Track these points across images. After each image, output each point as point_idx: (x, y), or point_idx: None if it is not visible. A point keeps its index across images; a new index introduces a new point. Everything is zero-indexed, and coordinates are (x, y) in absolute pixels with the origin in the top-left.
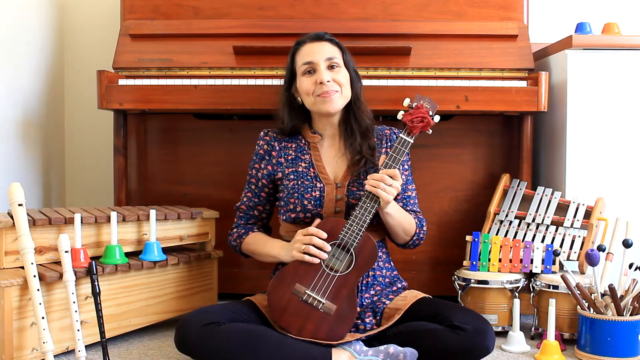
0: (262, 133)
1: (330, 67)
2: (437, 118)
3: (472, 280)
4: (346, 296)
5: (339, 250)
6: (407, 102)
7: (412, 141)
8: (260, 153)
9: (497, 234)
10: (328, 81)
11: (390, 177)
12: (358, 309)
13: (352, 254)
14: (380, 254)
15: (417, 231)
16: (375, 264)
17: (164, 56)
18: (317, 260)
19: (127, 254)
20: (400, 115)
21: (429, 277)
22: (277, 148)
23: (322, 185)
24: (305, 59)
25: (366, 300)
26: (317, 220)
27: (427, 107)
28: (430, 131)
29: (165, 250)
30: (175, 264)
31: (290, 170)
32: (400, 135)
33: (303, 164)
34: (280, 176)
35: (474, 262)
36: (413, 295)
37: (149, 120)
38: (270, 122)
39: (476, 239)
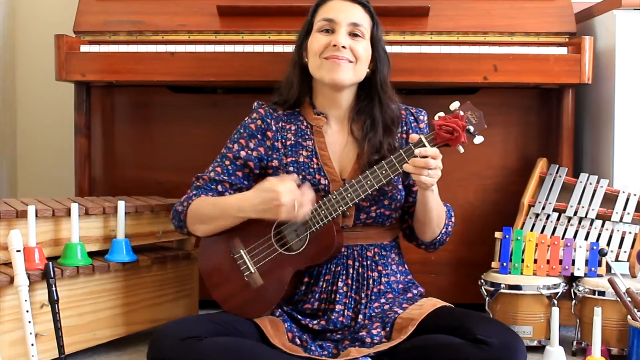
0: (256, 104)
1: (353, 35)
2: (478, 139)
3: (502, 285)
4: (277, 279)
5: (301, 227)
6: (454, 105)
7: (429, 148)
8: (251, 128)
9: (532, 230)
10: (343, 47)
11: (433, 157)
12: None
13: (308, 237)
14: (392, 255)
15: (447, 222)
16: (388, 267)
17: (135, 17)
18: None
19: (91, 254)
20: (436, 116)
21: (450, 281)
22: (274, 128)
23: (326, 181)
24: (327, 14)
25: (375, 311)
26: (293, 176)
27: (470, 122)
28: (462, 150)
29: (137, 250)
30: (148, 265)
31: (289, 160)
32: (422, 136)
33: (305, 153)
34: (275, 164)
35: (505, 264)
36: (430, 304)
37: (117, 94)
38: (263, 97)
39: (507, 236)
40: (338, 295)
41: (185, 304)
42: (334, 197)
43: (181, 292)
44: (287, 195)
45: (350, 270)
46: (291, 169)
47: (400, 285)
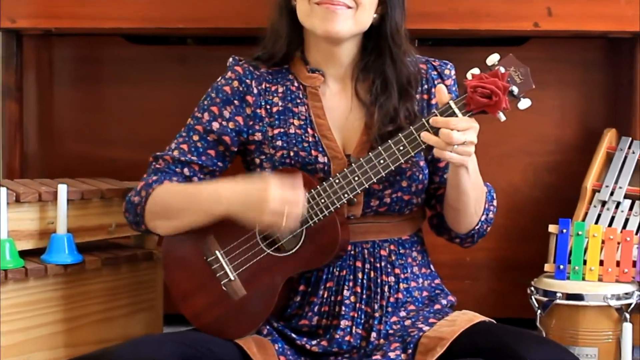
0: (231, 60)
1: None
2: (524, 104)
3: (559, 295)
4: (264, 288)
5: None
6: (492, 59)
7: (460, 116)
8: (225, 92)
9: (597, 223)
10: None
11: (460, 129)
12: (340, 338)
13: (303, 233)
14: (414, 254)
15: (487, 206)
16: (408, 269)
17: None
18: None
19: (23, 254)
20: (469, 74)
21: (490, 289)
22: (256, 91)
23: (326, 159)
24: None
25: (393, 327)
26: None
27: (513, 81)
28: (503, 117)
29: (83, 248)
30: (97, 268)
31: (276, 131)
32: (450, 102)
33: (296, 122)
34: (258, 138)
35: (562, 267)
36: (466, 319)
37: (57, 47)
38: (245, 49)
39: (564, 230)
40: (344, 308)
41: (146, 319)
42: (337, 180)
43: (140, 303)
44: (278, 199)
45: (359, 275)
46: (279, 143)
47: (425, 294)
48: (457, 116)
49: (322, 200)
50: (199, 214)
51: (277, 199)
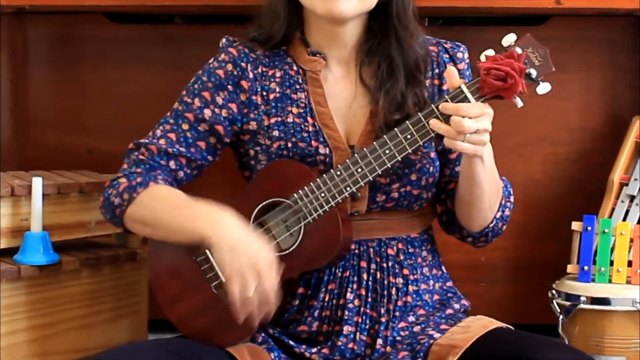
0: (224, 41)
1: None
2: (543, 88)
3: (583, 299)
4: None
5: (290, 216)
6: (508, 39)
7: (473, 101)
8: (218, 76)
9: (624, 219)
10: None
11: (472, 116)
12: (353, 344)
13: (302, 230)
14: (424, 253)
15: (503, 202)
16: (417, 270)
17: None
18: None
19: None
20: (483, 56)
21: (507, 292)
22: (251, 76)
23: (327, 150)
24: None
25: (401, 334)
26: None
27: (531, 63)
28: (520, 103)
29: (60, 247)
30: (75, 269)
31: (273, 120)
32: (462, 86)
33: (295, 110)
34: (253, 128)
35: (586, 268)
36: (480, 325)
37: (32, 25)
38: (239, 29)
39: (589, 228)
40: (347, 312)
41: (129, 325)
42: (338, 172)
43: (123, 308)
44: (267, 275)
45: (364, 276)
46: (275, 133)
47: (436, 297)
48: (469, 102)
49: (322, 194)
50: (184, 231)
51: (266, 260)
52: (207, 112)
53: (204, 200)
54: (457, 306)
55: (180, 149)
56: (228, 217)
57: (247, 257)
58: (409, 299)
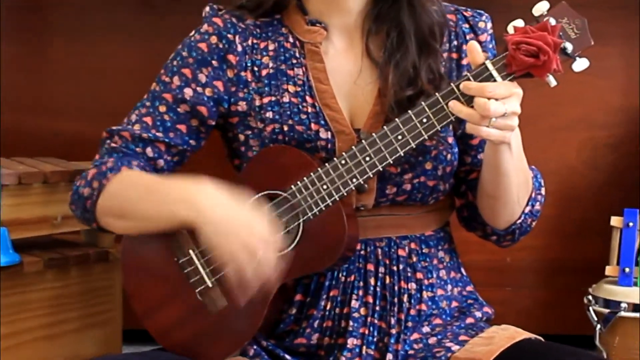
0: (208, 9)
1: None
2: (580, 65)
3: (623, 305)
4: (252, 299)
5: (287, 212)
6: (540, 7)
7: (499, 80)
8: (200, 50)
9: None
10: None
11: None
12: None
13: (300, 227)
14: (440, 254)
15: (533, 195)
16: (433, 273)
17: None
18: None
19: None
20: (511, 27)
21: (537, 298)
22: (240, 49)
23: (329, 135)
24: None
25: (414, 346)
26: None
27: (567, 36)
28: (553, 82)
29: (21, 246)
30: (38, 271)
31: (266, 100)
32: (487, 62)
33: (292, 88)
34: (243, 109)
35: (627, 269)
36: (506, 336)
37: None
38: None
39: (631, 224)
40: (352, 323)
41: (100, 336)
42: (343, 161)
43: (93, 316)
44: (262, 236)
45: (371, 281)
46: (269, 115)
47: (455, 304)
48: (495, 80)
49: (324, 186)
50: (161, 217)
51: (261, 236)
52: (188, 92)
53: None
54: (478, 314)
55: (157, 133)
56: (208, 192)
57: (238, 237)
58: (424, 306)
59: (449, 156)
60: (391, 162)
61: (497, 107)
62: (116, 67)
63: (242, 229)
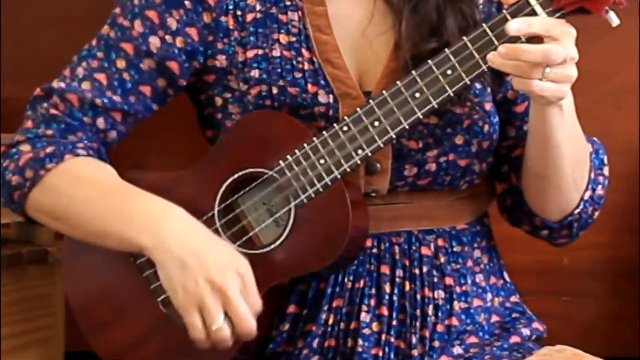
0: None
1: None
2: None
3: None
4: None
5: (275, 195)
6: None
7: (545, 17)
8: None
9: None
10: None
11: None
12: None
13: (291, 214)
14: (476, 253)
15: (593, 176)
16: (467, 279)
17: None
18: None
19: None
20: None
21: (601, 311)
22: None
23: (331, 99)
24: None
25: None
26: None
27: None
28: (615, 20)
29: None
30: None
31: (252, 53)
32: None
33: (284, 38)
34: (221, 65)
35: None
36: (561, 358)
37: None
38: None
39: None
40: (361, 342)
41: (38, 356)
42: (346, 128)
43: (29, 333)
44: (242, 304)
45: (386, 288)
46: (255, 73)
47: (495, 318)
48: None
49: (321, 161)
50: (105, 237)
51: (237, 294)
52: (154, 42)
53: (145, 181)
54: (526, 332)
55: (114, 97)
56: (175, 218)
57: (206, 274)
58: (454, 321)
59: (486, 127)
60: (406, 126)
61: (558, 50)
62: (64, 12)
63: (211, 265)
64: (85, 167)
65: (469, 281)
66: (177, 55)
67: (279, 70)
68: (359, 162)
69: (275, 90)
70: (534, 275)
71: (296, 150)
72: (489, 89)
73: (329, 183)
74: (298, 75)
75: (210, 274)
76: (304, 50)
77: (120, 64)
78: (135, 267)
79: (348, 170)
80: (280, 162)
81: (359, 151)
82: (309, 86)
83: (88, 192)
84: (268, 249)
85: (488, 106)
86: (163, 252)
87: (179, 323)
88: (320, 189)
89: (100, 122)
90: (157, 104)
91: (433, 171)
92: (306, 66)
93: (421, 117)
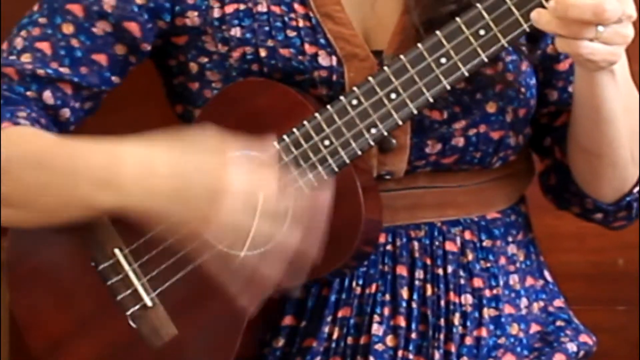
0: None
1: None
2: None
3: None
4: (216, 325)
5: None
6: None
7: None
8: None
9: None
10: None
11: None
12: None
13: (289, 210)
14: (510, 248)
15: None
16: (499, 279)
17: None
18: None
19: None
20: None
21: None
22: None
23: (333, 61)
24: None
25: None
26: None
27: None
28: None
29: None
30: None
31: (232, 8)
32: None
33: None
34: (194, 23)
35: None
36: None
37: None
38: None
39: None
40: (373, 359)
41: None
42: (355, 102)
43: None
44: (245, 186)
45: (404, 293)
46: (236, 32)
47: (536, 328)
48: None
49: (325, 142)
50: (70, 205)
51: (244, 187)
52: (109, 1)
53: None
54: (572, 347)
55: (60, 68)
56: (132, 154)
57: (207, 193)
58: (484, 332)
59: (522, 91)
60: (430, 99)
61: (615, 6)
62: None
63: (213, 191)
64: (30, 135)
65: (502, 283)
66: (137, 15)
67: (266, 28)
68: (371, 143)
69: (263, 53)
70: (582, 279)
71: (295, 129)
72: (524, 47)
73: (336, 169)
74: (291, 33)
75: (207, 197)
76: (296, 5)
77: (67, 29)
78: (97, 274)
79: (359, 153)
80: (276, 143)
81: (372, 130)
82: (306, 46)
83: (34, 164)
84: (262, 250)
85: (524, 66)
86: (148, 200)
87: (151, 342)
88: (325, 177)
89: (48, 97)
90: (116, 75)
91: (461, 147)
92: (301, 23)
93: (448, 87)
